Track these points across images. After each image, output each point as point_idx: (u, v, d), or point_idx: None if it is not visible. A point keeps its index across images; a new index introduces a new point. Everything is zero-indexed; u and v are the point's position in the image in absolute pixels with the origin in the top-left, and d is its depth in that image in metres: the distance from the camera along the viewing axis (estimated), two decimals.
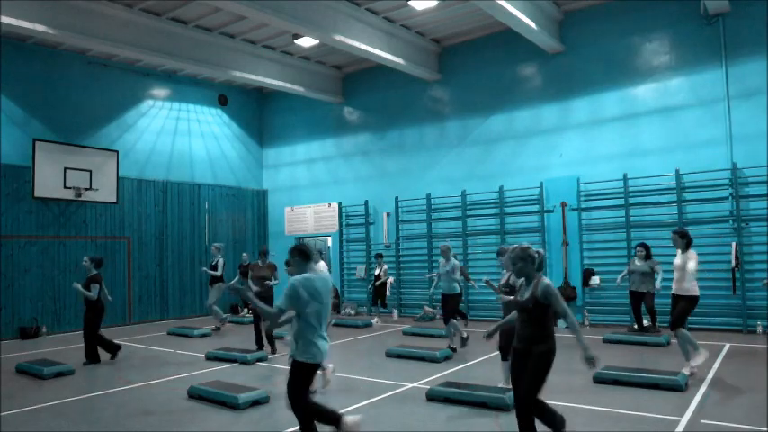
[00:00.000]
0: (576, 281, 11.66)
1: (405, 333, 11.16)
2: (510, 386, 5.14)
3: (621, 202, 11.30)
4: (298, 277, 4.40)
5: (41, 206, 12.70)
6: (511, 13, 10.27)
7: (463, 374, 7.35)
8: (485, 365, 7.90)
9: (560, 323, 11.99)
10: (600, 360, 4.06)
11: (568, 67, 12.16)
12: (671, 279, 7.24)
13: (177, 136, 15.65)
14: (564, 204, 11.91)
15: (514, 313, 4.65)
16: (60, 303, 12.80)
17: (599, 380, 6.65)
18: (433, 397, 6.15)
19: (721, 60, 10.51)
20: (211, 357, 9.01)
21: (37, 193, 12.37)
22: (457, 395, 6.02)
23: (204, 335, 11.58)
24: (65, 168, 12.75)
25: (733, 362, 7.65)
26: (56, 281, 12.80)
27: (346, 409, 5.90)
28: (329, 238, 16.34)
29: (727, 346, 8.77)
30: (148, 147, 14.96)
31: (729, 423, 5.06)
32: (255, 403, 6.12)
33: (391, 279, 14.03)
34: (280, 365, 8.29)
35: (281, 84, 14.43)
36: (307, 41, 13.10)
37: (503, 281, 6.50)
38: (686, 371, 6.69)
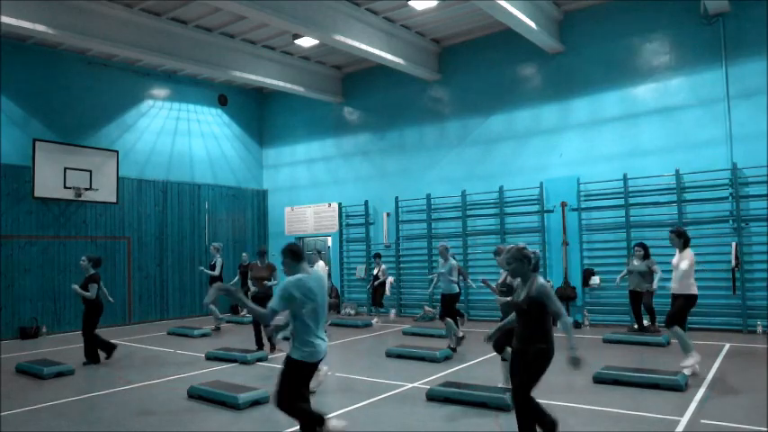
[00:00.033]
0: (576, 281, 11.66)
1: (405, 333, 11.16)
2: (510, 386, 5.14)
3: (621, 202, 11.30)
4: (290, 278, 4.36)
5: (41, 206, 12.70)
6: (511, 13, 10.27)
7: (463, 374, 7.35)
8: (485, 365, 7.89)
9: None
10: (584, 362, 4.06)
11: (568, 67, 12.16)
12: (669, 278, 7.25)
13: (177, 136, 15.65)
14: (564, 204, 11.91)
15: (514, 314, 4.65)
16: (60, 303, 12.80)
17: (599, 380, 6.65)
18: (433, 397, 6.14)
19: (721, 60, 10.50)
20: (211, 357, 9.01)
21: (37, 193, 12.37)
22: (457, 395, 6.02)
23: (204, 335, 11.58)
24: (65, 168, 12.75)
25: (733, 362, 7.65)
26: (56, 281, 12.79)
27: (346, 410, 5.91)
28: (329, 238, 16.34)
29: (727, 346, 8.76)
30: (148, 147, 14.96)
31: (729, 423, 5.06)
32: (255, 403, 6.12)
33: (391, 279, 14.03)
34: (280, 365, 8.27)
35: (281, 84, 14.43)
36: (307, 41, 13.10)
37: (500, 281, 6.51)
38: (687, 371, 6.69)
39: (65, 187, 12.75)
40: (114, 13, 11.25)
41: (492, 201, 12.97)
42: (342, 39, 11.40)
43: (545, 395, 5.97)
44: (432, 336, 10.52)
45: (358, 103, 15.66)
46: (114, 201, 13.67)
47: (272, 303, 4.29)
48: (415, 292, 14.09)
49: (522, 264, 4.29)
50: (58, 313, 12.77)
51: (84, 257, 9.11)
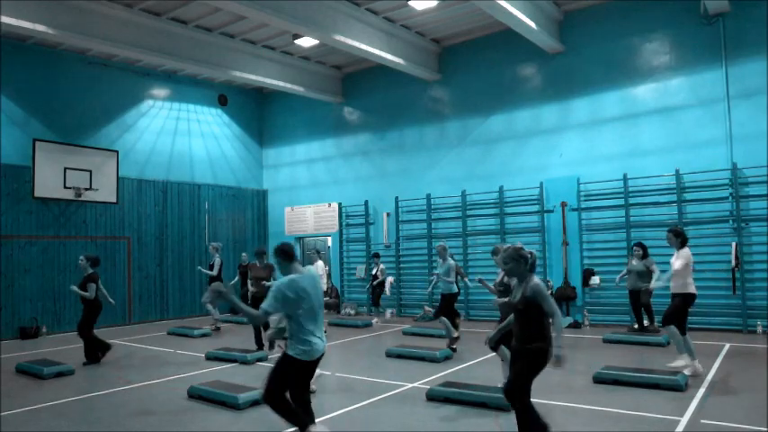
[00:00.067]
0: (576, 281, 11.66)
1: (405, 333, 11.16)
2: None
3: (621, 202, 11.30)
4: (283, 280, 4.33)
5: (41, 206, 12.70)
6: (511, 13, 10.27)
7: (463, 374, 7.35)
8: (485, 365, 7.89)
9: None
10: (566, 362, 4.03)
11: (568, 67, 12.16)
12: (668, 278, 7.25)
13: (177, 136, 15.65)
14: (564, 204, 11.91)
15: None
16: (60, 303, 12.80)
17: (599, 380, 6.65)
18: (433, 397, 6.14)
19: (721, 60, 10.50)
20: (211, 357, 9.00)
21: (37, 193, 12.37)
22: (457, 395, 6.02)
23: (204, 335, 11.58)
24: (65, 168, 12.75)
25: (733, 362, 7.64)
26: (56, 281, 12.79)
27: (346, 410, 5.91)
28: (329, 238, 16.35)
29: (727, 346, 8.76)
30: (148, 147, 14.96)
31: (729, 423, 5.06)
32: (255, 403, 6.10)
33: (391, 279, 14.04)
34: None
35: (281, 84, 14.43)
36: (307, 41, 13.10)
37: (497, 280, 6.51)
38: (687, 371, 6.69)
39: (65, 187, 12.75)
40: (114, 13, 11.25)
41: (492, 201, 12.97)
42: (342, 39, 11.40)
43: (545, 395, 5.99)
44: (432, 336, 10.51)
45: (358, 103, 15.66)
46: (114, 201, 13.67)
47: (265, 305, 4.26)
48: (415, 292, 14.09)
49: (519, 264, 4.28)
50: (58, 313, 12.76)
51: (82, 257, 9.10)
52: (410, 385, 6.89)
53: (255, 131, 17.67)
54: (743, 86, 10.31)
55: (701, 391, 6.18)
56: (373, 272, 13.69)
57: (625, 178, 11.23)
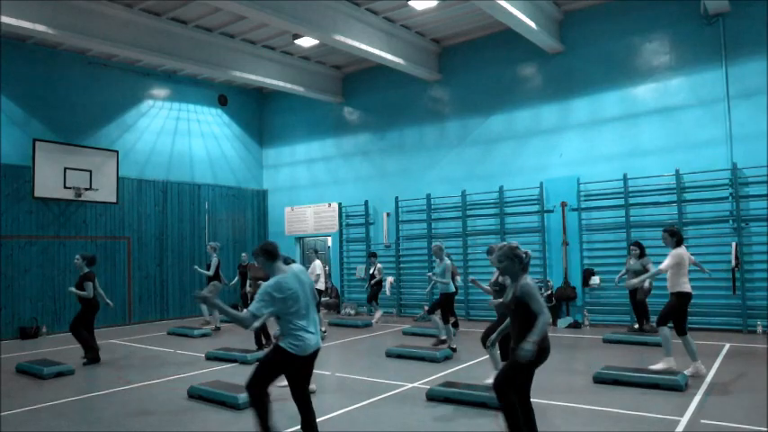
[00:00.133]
0: (576, 281, 11.66)
1: (405, 333, 11.16)
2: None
3: (621, 202, 11.30)
4: (270, 282, 4.28)
5: (41, 206, 12.70)
6: (511, 13, 10.27)
7: (463, 374, 7.35)
8: (485, 365, 7.88)
9: (560, 323, 12.00)
10: (530, 356, 3.95)
11: (568, 67, 12.16)
12: (663, 278, 7.24)
13: (177, 136, 15.65)
14: (564, 204, 11.91)
15: None
16: (60, 303, 12.80)
17: (599, 380, 6.65)
18: (433, 397, 6.14)
19: (721, 60, 10.51)
20: (211, 357, 9.01)
21: (37, 193, 12.37)
22: (457, 395, 6.02)
23: (204, 335, 11.58)
24: (65, 168, 12.75)
25: (733, 362, 7.64)
26: (56, 281, 12.79)
27: (346, 410, 5.91)
28: (329, 238, 16.35)
29: (727, 346, 8.76)
30: (148, 147, 14.96)
31: (729, 423, 5.06)
32: None
33: (391, 279, 14.03)
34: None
35: (281, 84, 14.43)
36: (307, 41, 13.10)
37: (492, 279, 6.51)
38: (688, 371, 6.69)
39: (65, 187, 12.75)
40: (114, 13, 11.25)
41: (492, 201, 12.97)
42: (342, 39, 11.40)
43: (545, 395, 5.99)
44: (432, 336, 10.50)
45: (358, 103, 15.66)
46: (114, 201, 13.67)
47: (253, 307, 4.22)
48: (415, 292, 14.08)
49: (513, 262, 4.25)
50: (58, 313, 12.76)
51: (78, 256, 9.08)
52: (410, 385, 6.89)
53: (255, 131, 17.67)
54: (743, 86, 10.30)
55: (701, 391, 6.18)
56: (371, 271, 13.68)
57: (625, 178, 11.23)
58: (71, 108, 13.45)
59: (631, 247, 10.08)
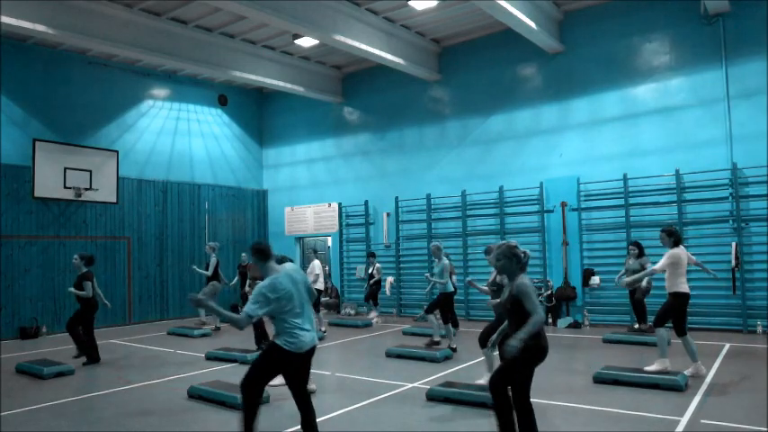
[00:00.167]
0: (576, 281, 11.66)
1: (405, 333, 11.17)
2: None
3: (621, 202, 11.30)
4: (264, 282, 4.28)
5: (41, 206, 12.70)
6: (511, 13, 10.27)
7: (463, 374, 7.35)
8: (485, 365, 7.88)
9: (560, 323, 11.99)
10: (515, 352, 3.91)
11: (568, 67, 12.16)
12: (662, 278, 7.24)
13: (177, 136, 15.65)
14: (564, 204, 11.91)
15: None
16: (60, 303, 12.79)
17: (599, 380, 6.65)
18: (433, 397, 6.14)
19: (721, 60, 10.51)
20: (211, 357, 9.01)
21: (37, 193, 12.36)
22: (457, 395, 6.02)
23: (204, 335, 11.57)
24: (65, 168, 12.75)
25: (733, 362, 7.64)
26: (56, 281, 12.79)
27: (346, 410, 5.91)
28: (329, 238, 16.35)
29: (727, 346, 8.77)
30: (148, 147, 14.96)
31: (729, 423, 5.06)
32: None
33: (391, 279, 14.03)
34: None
35: (281, 84, 14.43)
36: (307, 41, 13.10)
37: (490, 279, 6.52)
38: (688, 372, 6.69)
39: (65, 187, 12.74)
40: (114, 13, 11.25)
41: (492, 201, 12.97)
42: (342, 39, 11.40)
43: (545, 395, 5.99)
44: (431, 336, 10.50)
45: (358, 103, 15.66)
46: (114, 201, 13.67)
47: (247, 308, 4.21)
48: (415, 292, 14.08)
49: (511, 261, 4.23)
50: (58, 313, 12.75)
51: (76, 256, 9.07)
52: (410, 385, 6.89)
53: (255, 131, 17.67)
54: (743, 86, 10.30)
55: (701, 391, 6.18)
56: (369, 271, 13.67)
57: (625, 178, 11.23)
58: (71, 108, 13.44)
59: (630, 246, 10.07)
